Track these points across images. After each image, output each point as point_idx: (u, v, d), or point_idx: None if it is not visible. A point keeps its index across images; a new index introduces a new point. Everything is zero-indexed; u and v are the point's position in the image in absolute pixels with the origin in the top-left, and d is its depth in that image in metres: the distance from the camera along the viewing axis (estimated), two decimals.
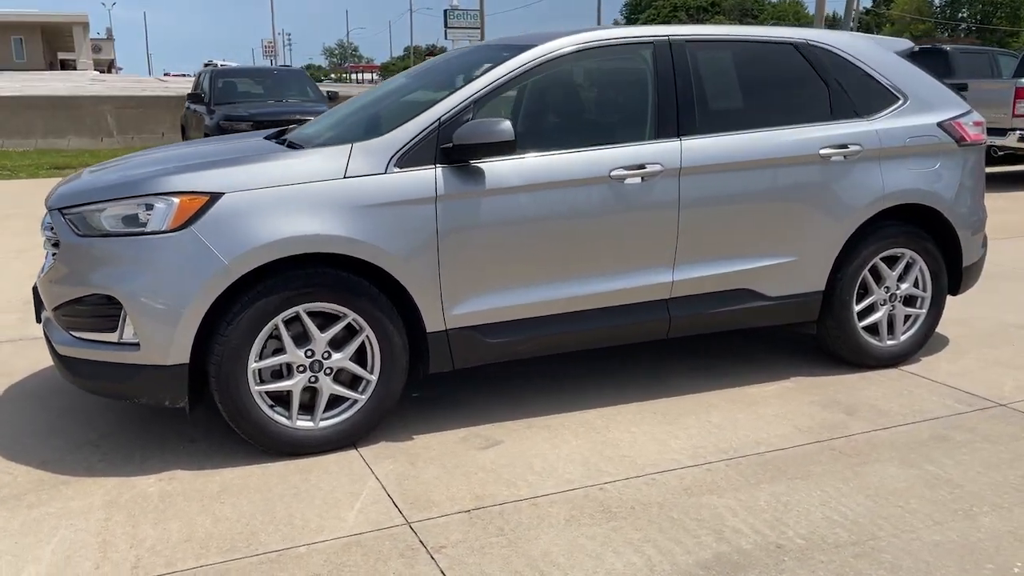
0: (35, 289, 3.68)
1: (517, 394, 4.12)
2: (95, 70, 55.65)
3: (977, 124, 4.58)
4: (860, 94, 4.31)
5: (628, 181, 3.78)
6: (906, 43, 4.72)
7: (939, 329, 4.96)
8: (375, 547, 2.80)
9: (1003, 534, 2.89)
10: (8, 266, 6.81)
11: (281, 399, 3.45)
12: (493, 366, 4.12)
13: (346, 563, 2.71)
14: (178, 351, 3.23)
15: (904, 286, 4.44)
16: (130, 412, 3.88)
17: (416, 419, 3.83)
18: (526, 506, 3.07)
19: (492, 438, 3.65)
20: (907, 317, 4.50)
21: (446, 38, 43.55)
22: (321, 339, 3.40)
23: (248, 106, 12.07)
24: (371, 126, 4.06)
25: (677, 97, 3.95)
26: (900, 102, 4.39)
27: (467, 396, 4.09)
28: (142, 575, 2.66)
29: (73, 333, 3.39)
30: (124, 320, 3.24)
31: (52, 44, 61.27)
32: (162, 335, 3.21)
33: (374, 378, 3.52)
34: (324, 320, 3.42)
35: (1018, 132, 11.53)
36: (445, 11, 43.88)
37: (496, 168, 3.58)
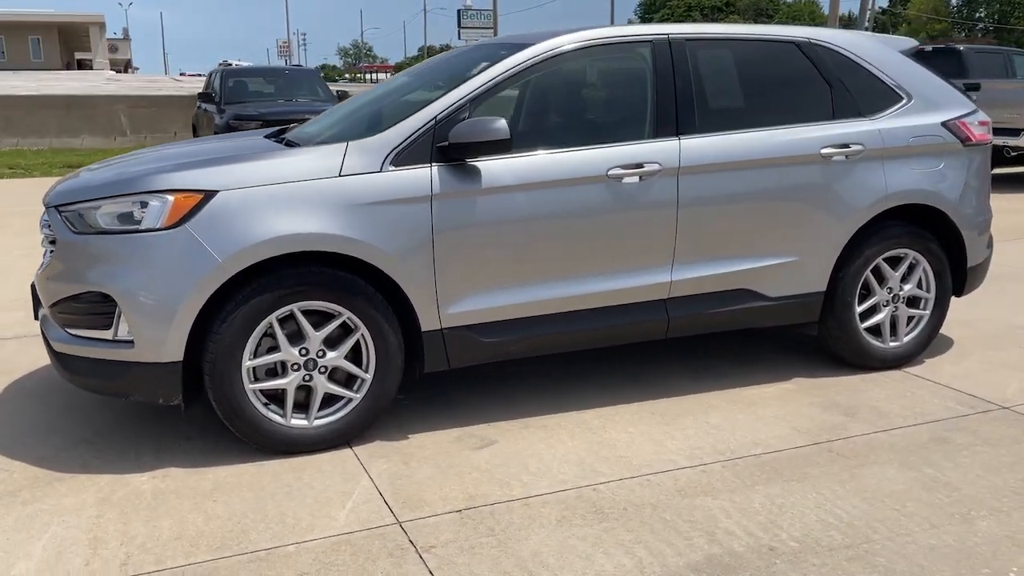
0: (33, 286, 3.69)
1: (514, 394, 4.11)
2: (111, 70, 56.03)
3: (983, 124, 4.52)
4: (863, 93, 4.27)
5: (626, 180, 3.76)
6: (910, 42, 4.67)
7: (944, 331, 4.92)
8: (364, 546, 2.79)
9: (1000, 538, 2.85)
10: (16, 264, 6.85)
11: (276, 397, 3.44)
12: (491, 366, 4.10)
13: (334, 562, 2.70)
14: (172, 349, 3.23)
15: (907, 287, 4.40)
16: (127, 410, 3.89)
17: (412, 418, 3.82)
18: (518, 506, 3.06)
19: (487, 438, 3.63)
20: (910, 318, 4.46)
21: (460, 38, 43.58)
22: (315, 337, 3.40)
23: (258, 105, 12.10)
24: (369, 125, 4.04)
25: (676, 96, 3.92)
26: (904, 101, 4.34)
27: (464, 396, 4.08)
28: (131, 572, 2.66)
29: (69, 330, 3.40)
30: (119, 317, 3.25)
31: (69, 44, 61.72)
32: (156, 332, 3.22)
33: (369, 377, 3.51)
34: (319, 318, 3.42)
35: None
36: (459, 11, 43.93)
37: (492, 167, 3.57)
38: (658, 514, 3.00)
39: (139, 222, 3.25)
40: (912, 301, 4.45)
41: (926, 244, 4.36)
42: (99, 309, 3.29)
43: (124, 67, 71.43)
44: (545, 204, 3.65)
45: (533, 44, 3.80)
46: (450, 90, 3.63)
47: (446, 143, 3.49)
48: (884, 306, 4.38)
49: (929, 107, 4.39)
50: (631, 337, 3.99)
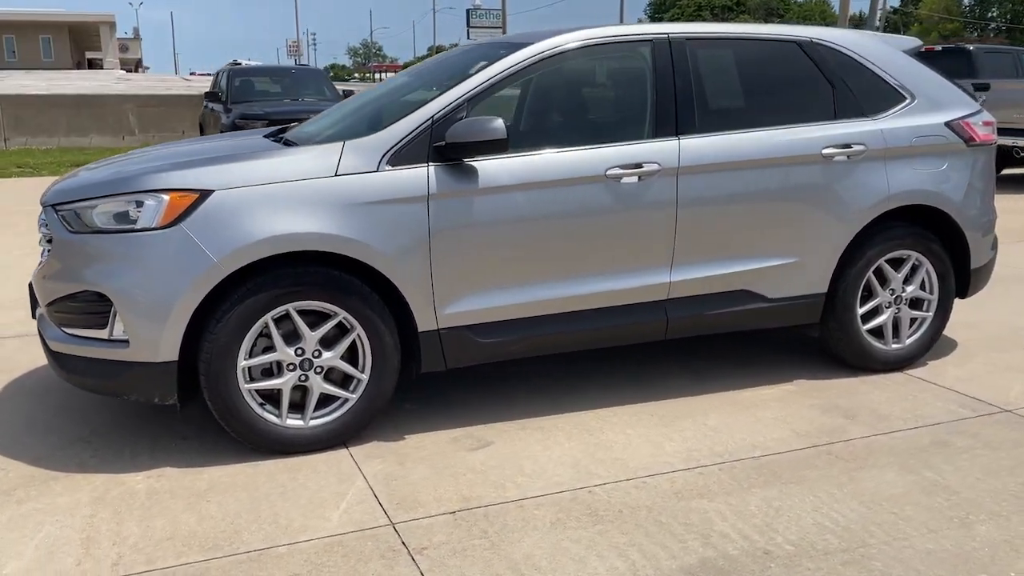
0: (31, 286, 3.69)
1: (512, 395, 4.09)
2: (121, 69, 56.23)
3: (987, 124, 4.48)
4: (865, 93, 4.24)
5: (625, 180, 3.73)
6: (914, 41, 4.63)
7: (948, 332, 4.88)
8: (356, 548, 2.78)
9: (999, 543, 2.82)
10: (19, 262, 6.86)
11: (271, 397, 3.44)
12: (490, 366, 4.09)
13: (326, 563, 2.69)
14: (167, 348, 3.23)
15: (910, 288, 4.36)
16: (125, 409, 3.89)
17: (408, 419, 3.81)
18: (512, 508, 3.04)
19: (484, 439, 3.62)
20: (913, 320, 4.42)
21: (469, 37, 43.59)
22: (311, 337, 3.39)
23: (264, 104, 12.12)
24: (369, 124, 4.02)
25: (676, 96, 3.90)
26: (907, 101, 4.31)
27: (461, 396, 4.07)
28: (122, 572, 2.65)
29: (65, 329, 3.40)
30: (114, 317, 3.25)
31: (79, 43, 62.00)
32: (151, 332, 3.21)
33: (365, 377, 3.50)
34: (315, 318, 3.41)
35: None
36: (468, 10, 43.99)
37: (489, 167, 3.55)
38: (653, 517, 2.98)
39: (134, 221, 3.25)
40: (915, 303, 4.42)
41: (929, 245, 4.33)
42: (95, 308, 3.28)
43: (135, 67, 71.69)
44: (543, 204, 3.63)
45: (532, 43, 3.79)
46: (447, 90, 3.62)
47: (443, 143, 3.48)
48: (886, 308, 4.34)
49: (932, 107, 4.35)
50: (630, 338, 3.97)
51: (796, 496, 3.12)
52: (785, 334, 4.96)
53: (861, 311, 4.28)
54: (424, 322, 3.53)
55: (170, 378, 3.27)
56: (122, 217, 3.27)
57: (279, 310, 3.33)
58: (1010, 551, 2.77)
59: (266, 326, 3.33)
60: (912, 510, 3.03)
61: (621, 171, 3.72)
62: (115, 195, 3.30)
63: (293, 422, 3.44)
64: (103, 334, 3.28)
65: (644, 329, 3.92)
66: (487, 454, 3.48)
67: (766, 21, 63.72)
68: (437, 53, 6.00)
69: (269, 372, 3.42)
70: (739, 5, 72.13)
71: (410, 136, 3.50)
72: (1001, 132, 11.45)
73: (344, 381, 3.52)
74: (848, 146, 4.09)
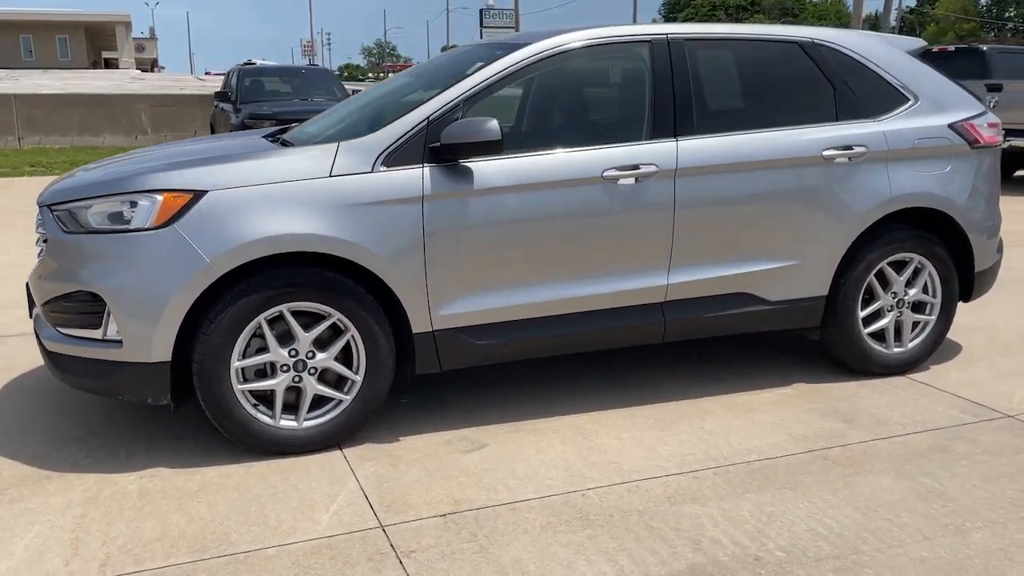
0: (28, 285, 3.71)
1: (507, 397, 4.07)
2: (137, 69, 56.55)
3: (992, 126, 4.43)
4: (867, 94, 4.20)
5: (622, 182, 3.71)
6: (918, 42, 4.59)
7: (953, 336, 4.84)
8: (344, 550, 2.77)
9: (994, 551, 2.78)
10: (24, 261, 6.87)
11: (265, 398, 3.43)
12: (487, 368, 4.08)
13: (313, 566, 2.68)
14: (160, 348, 3.23)
15: (912, 292, 4.32)
16: (121, 409, 3.90)
17: (403, 420, 3.80)
18: (503, 511, 3.02)
19: (478, 441, 3.60)
20: (915, 324, 4.38)
21: (482, 37, 43.63)
22: (305, 339, 3.38)
23: (273, 104, 12.15)
24: (369, 125, 4.01)
25: (674, 97, 3.87)
26: (910, 102, 4.26)
27: (456, 398, 4.05)
28: (109, 573, 2.65)
29: (60, 329, 3.41)
30: (108, 317, 3.25)
31: (96, 43, 62.40)
32: (144, 332, 3.21)
33: (359, 379, 3.49)
34: (309, 319, 3.40)
35: None
36: (481, 10, 43.99)
37: (485, 168, 3.54)
38: (644, 521, 2.96)
39: (128, 221, 3.25)
40: (917, 306, 4.37)
41: (932, 248, 4.28)
42: (89, 308, 3.29)
43: (150, 66, 72.09)
44: (539, 205, 3.61)
45: (529, 44, 3.77)
46: (443, 90, 3.61)
47: (438, 144, 3.47)
48: (888, 311, 4.30)
49: (936, 108, 4.31)
50: (627, 341, 3.94)
51: (790, 501, 3.09)
52: (786, 337, 4.92)
53: (862, 314, 4.24)
54: (419, 324, 3.52)
55: (163, 378, 3.27)
56: (116, 217, 3.27)
57: (273, 311, 3.32)
58: (1004, 559, 2.73)
59: (260, 327, 3.33)
60: (907, 516, 2.99)
61: (618, 172, 3.69)
62: (109, 195, 3.31)
63: (287, 423, 3.43)
64: (97, 334, 3.29)
65: (641, 332, 3.90)
66: (480, 456, 3.46)
67: (780, 21, 63.43)
68: None
69: (263, 373, 3.42)
70: (753, 5, 71.85)
71: (405, 137, 3.49)
72: (1013, 133, 11.37)
73: (338, 382, 3.51)
74: (849, 148, 4.05)
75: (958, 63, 12.96)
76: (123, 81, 32.83)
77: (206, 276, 3.21)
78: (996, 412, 3.90)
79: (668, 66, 3.89)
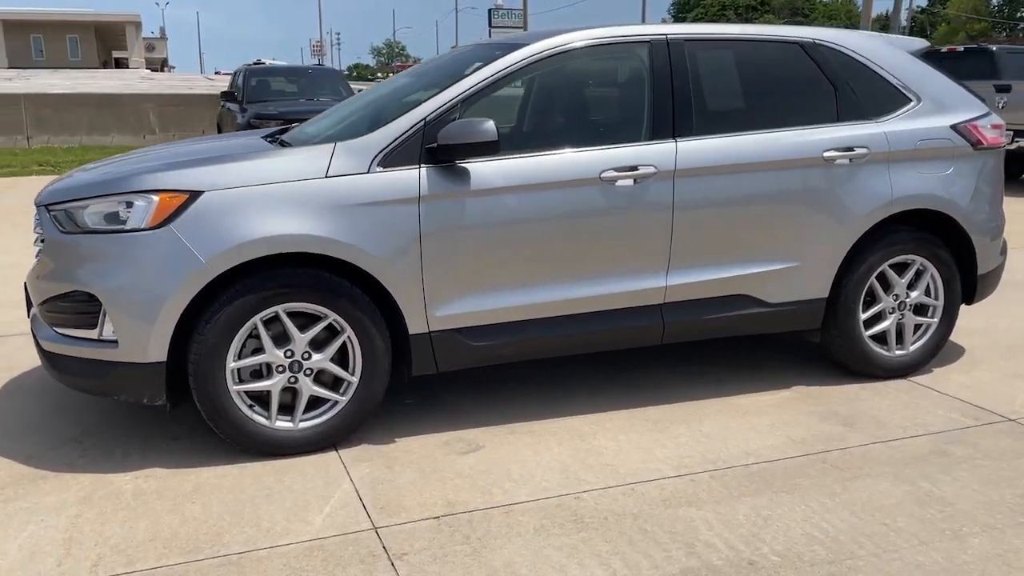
0: (26, 285, 3.71)
1: (505, 398, 4.06)
2: (147, 68, 56.75)
3: (995, 127, 4.39)
4: (869, 95, 4.17)
5: (620, 183, 3.69)
6: (920, 42, 4.55)
7: (957, 339, 4.80)
8: (336, 552, 2.77)
9: (991, 557, 2.75)
10: (28, 261, 6.91)
11: (261, 399, 3.43)
12: (484, 369, 4.08)
13: (304, 568, 2.68)
14: (156, 349, 3.23)
15: (914, 294, 4.29)
16: (119, 409, 3.90)
17: (400, 422, 3.79)
18: (497, 514, 3.01)
19: (474, 443, 3.59)
20: (917, 326, 4.35)
21: (491, 37, 43.55)
22: (301, 339, 3.38)
23: (279, 104, 12.16)
24: (368, 125, 4.01)
25: (674, 97, 3.85)
26: (912, 103, 4.23)
27: (454, 399, 4.04)
28: (101, 574, 2.65)
29: (57, 329, 3.41)
30: (104, 317, 3.25)
31: (106, 43, 62.66)
32: (140, 332, 3.21)
33: (355, 380, 3.48)
34: (306, 320, 3.40)
35: None
36: (489, 10, 43.96)
37: (482, 169, 3.52)
38: (639, 524, 2.94)
39: (124, 222, 3.25)
40: (919, 309, 4.34)
41: (934, 250, 4.25)
42: (85, 308, 3.29)
43: (161, 66, 72.30)
44: (536, 206, 3.60)
45: (527, 44, 3.75)
46: (440, 91, 3.60)
47: (435, 144, 3.46)
48: (890, 313, 4.27)
49: (938, 109, 4.27)
50: (625, 342, 3.93)
51: (786, 505, 3.07)
52: (788, 339, 4.89)
53: (864, 317, 4.21)
54: (415, 325, 3.51)
55: (158, 379, 3.27)
56: (112, 218, 3.28)
57: (268, 312, 3.32)
58: (1002, 565, 2.71)
59: (255, 328, 3.33)
60: (904, 521, 2.97)
61: (616, 174, 3.68)
62: (106, 196, 3.31)
63: (282, 424, 3.43)
64: (93, 334, 3.29)
65: (639, 333, 3.88)
66: (476, 458, 3.45)
67: (791, 21, 63.21)
68: None
69: (258, 374, 3.41)
70: (763, 5, 71.61)
71: (402, 138, 3.48)
72: (1022, 134, 11.29)
73: (334, 383, 3.50)
74: (850, 149, 4.03)
75: (967, 63, 12.88)
76: (132, 81, 32.96)
77: (202, 277, 3.20)
78: (998, 416, 3.87)
79: (667, 67, 3.87)
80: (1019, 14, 66.70)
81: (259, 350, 3.37)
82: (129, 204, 3.25)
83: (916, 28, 64.45)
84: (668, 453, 3.50)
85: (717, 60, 4.09)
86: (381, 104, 4.19)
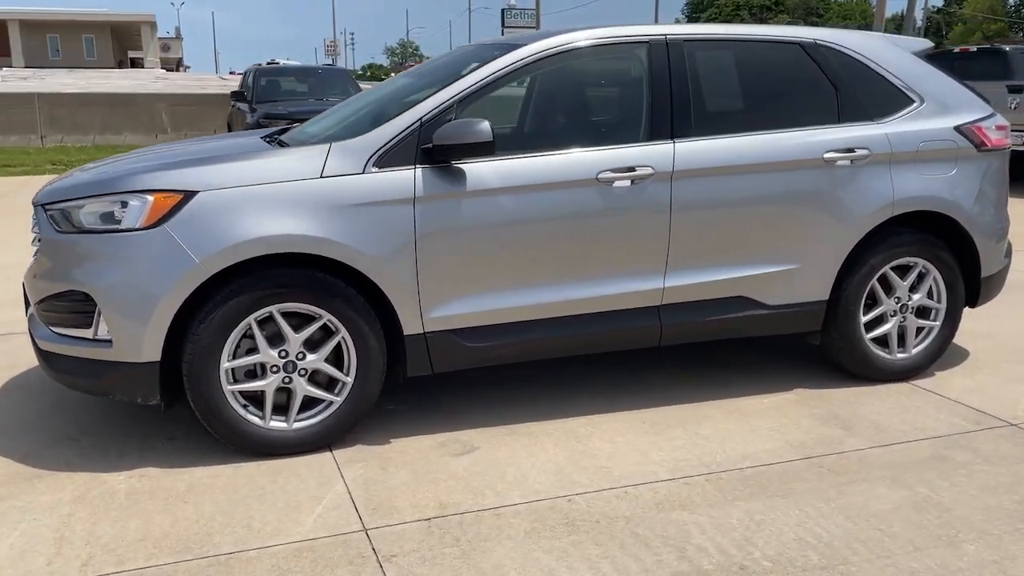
0: (24, 285, 3.72)
1: (503, 399, 4.04)
2: (162, 68, 57.06)
3: (1000, 128, 4.35)
4: (871, 96, 4.13)
5: (617, 184, 3.67)
6: (924, 43, 4.51)
7: (962, 342, 4.76)
8: (325, 553, 2.76)
9: (987, 563, 2.72)
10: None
11: (256, 399, 3.43)
12: (482, 370, 4.06)
13: (292, 569, 2.67)
14: (150, 348, 3.23)
15: (916, 297, 4.25)
16: (117, 408, 3.91)
17: (396, 423, 3.78)
18: (488, 516, 3.00)
19: (470, 444, 3.58)
20: (920, 329, 4.30)
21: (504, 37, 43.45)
22: (295, 340, 3.37)
23: (289, 104, 12.20)
24: (369, 125, 4.00)
25: (672, 98, 3.82)
26: (914, 104, 4.19)
27: (452, 400, 4.03)
28: (90, 573, 2.66)
29: (53, 328, 3.42)
30: (98, 316, 3.26)
31: (122, 43, 63.05)
32: (133, 332, 3.22)
33: (350, 380, 3.48)
34: (300, 320, 3.39)
35: None
36: (503, 10, 43.97)
37: (478, 169, 3.51)
38: (631, 528, 2.92)
39: (119, 222, 3.26)
40: (922, 311, 4.30)
41: (936, 253, 4.21)
42: (80, 308, 3.30)
43: (176, 65, 72.68)
44: (532, 208, 3.58)
45: (525, 45, 3.74)
46: (437, 91, 3.59)
47: (430, 145, 3.45)
48: (891, 316, 4.23)
49: (942, 111, 4.23)
50: (622, 344, 3.91)
51: (781, 510, 3.04)
52: (790, 341, 4.85)
53: (865, 319, 4.18)
54: (410, 325, 3.50)
55: (152, 378, 3.27)
56: (108, 217, 3.28)
57: (263, 312, 3.32)
58: (997, 572, 2.67)
59: (249, 328, 3.32)
60: (900, 527, 2.94)
61: (613, 175, 3.66)
62: (101, 195, 3.31)
63: (276, 424, 3.43)
64: (88, 333, 3.29)
65: (637, 335, 3.86)
66: (471, 460, 3.44)
67: (805, 21, 62.91)
68: None
69: (253, 374, 3.41)
70: (778, 4, 71.30)
71: (398, 138, 3.47)
72: None
73: (329, 384, 3.50)
74: (851, 150, 3.99)
75: (980, 64, 12.78)
76: (147, 80, 33.14)
77: (196, 277, 3.21)
78: (1000, 421, 3.82)
79: (666, 67, 3.84)
80: None
81: (253, 350, 3.36)
82: (124, 204, 3.26)
83: (932, 28, 64.02)
84: (664, 456, 3.48)
85: (717, 61, 4.06)
86: (381, 104, 4.18)
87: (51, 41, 56.98)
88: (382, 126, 3.51)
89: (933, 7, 65.92)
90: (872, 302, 4.21)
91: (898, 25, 46.17)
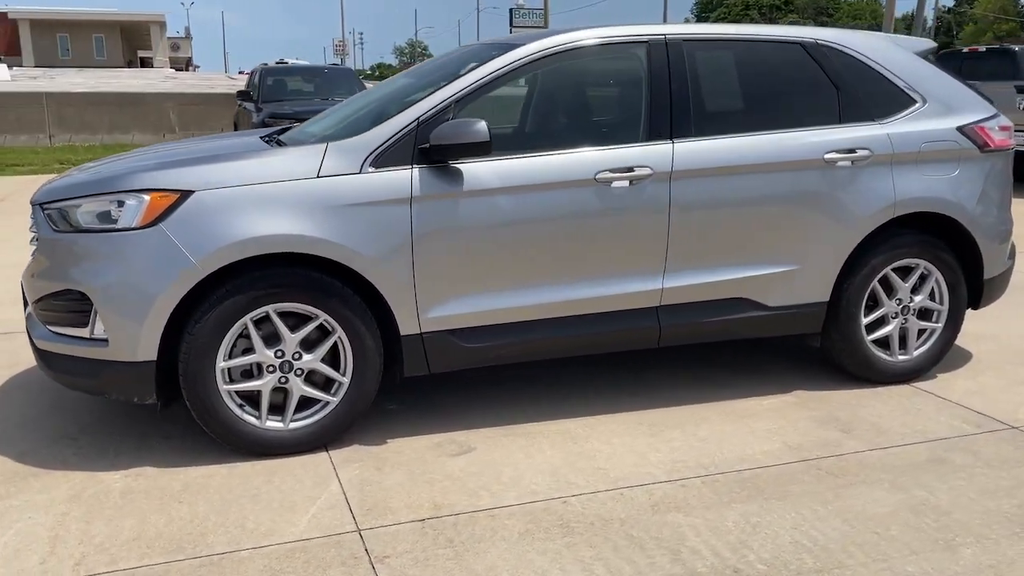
0: (22, 284, 3.73)
1: (501, 400, 4.03)
2: (172, 68, 57.24)
3: (1004, 129, 4.32)
4: (872, 96, 4.11)
5: (615, 184, 3.66)
6: (927, 43, 4.48)
7: (965, 345, 4.73)
8: (318, 554, 2.75)
9: (983, 568, 2.70)
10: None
11: (252, 399, 3.43)
12: (481, 371, 4.05)
13: (284, 569, 2.67)
14: (145, 348, 3.23)
15: (918, 298, 4.22)
16: (116, 407, 3.92)
17: (394, 423, 3.77)
18: (483, 517, 2.99)
19: (467, 444, 3.57)
20: (921, 331, 4.28)
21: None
22: (291, 339, 3.37)
23: (294, 104, 12.21)
24: (367, 124, 4.00)
25: (671, 98, 3.81)
26: (917, 105, 4.16)
27: (451, 400, 4.02)
28: (83, 572, 2.66)
29: (50, 327, 3.43)
30: (95, 316, 3.26)
31: (131, 42, 63.28)
32: (129, 331, 3.22)
33: (346, 380, 3.47)
34: (297, 320, 3.39)
35: None
36: (511, 10, 43.96)
37: (476, 169, 3.50)
38: (625, 530, 2.91)
39: (116, 221, 3.26)
40: (924, 313, 4.27)
41: (938, 254, 4.18)
42: (77, 307, 3.30)
43: (185, 65, 72.88)
44: (530, 208, 3.57)
45: (523, 45, 3.73)
46: (434, 92, 3.58)
47: (427, 145, 3.44)
48: (893, 318, 4.20)
49: (945, 111, 4.20)
50: (620, 345, 3.89)
51: (777, 512, 3.03)
52: (791, 342, 4.83)
53: (866, 321, 4.15)
54: (406, 326, 3.50)
55: (148, 378, 3.27)
56: (104, 217, 3.28)
57: (259, 311, 3.32)
58: None
59: (246, 327, 3.32)
60: (897, 530, 2.91)
61: (611, 175, 3.64)
62: (98, 195, 3.32)
63: (273, 424, 3.42)
64: (84, 333, 3.30)
65: (635, 336, 3.84)
66: (467, 460, 3.43)
67: (815, 20, 62.69)
68: None
69: (249, 373, 3.41)
70: (787, 4, 71.07)
71: (394, 138, 3.46)
72: None
73: (325, 384, 3.49)
74: (852, 151, 3.97)
75: (989, 64, 12.72)
76: (155, 80, 33.23)
77: (192, 276, 3.21)
78: (1001, 423, 3.79)
79: (665, 67, 3.83)
80: None
81: (249, 350, 3.36)
82: (120, 203, 3.26)
83: (943, 28, 63.72)
84: (661, 457, 3.46)
85: (717, 60, 4.04)
86: (379, 104, 4.17)
87: (61, 40, 57.20)
88: (379, 126, 3.51)
89: (944, 7, 65.62)
90: (873, 304, 4.18)
91: (908, 25, 45.96)
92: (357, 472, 3.32)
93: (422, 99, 3.57)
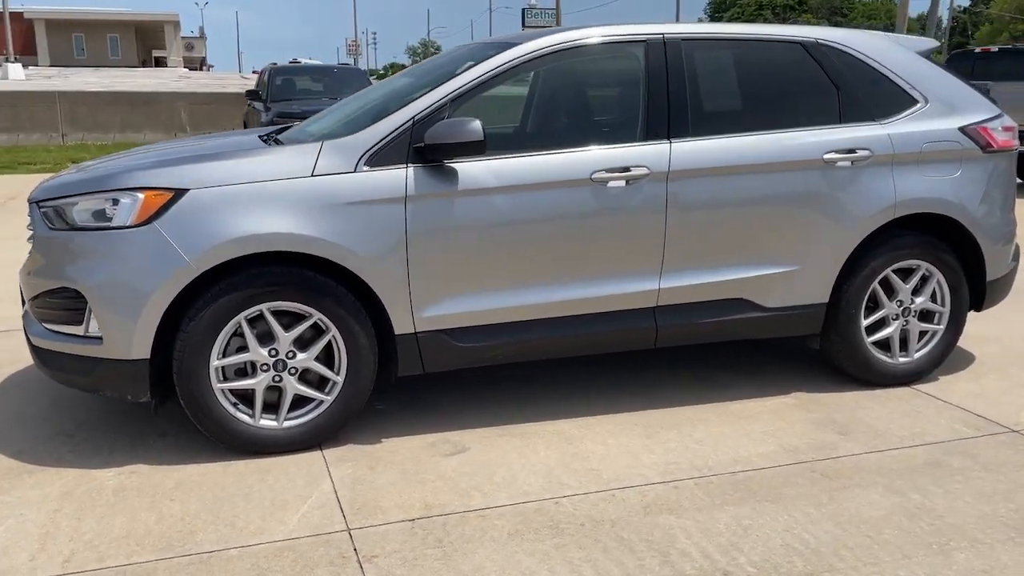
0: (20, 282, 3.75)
1: (497, 400, 4.02)
2: (186, 67, 57.54)
3: (1007, 129, 4.28)
4: (873, 96, 4.08)
5: (611, 184, 3.64)
6: (929, 42, 4.44)
7: (968, 347, 4.69)
8: (307, 553, 2.75)
9: (976, 572, 2.67)
10: None
11: (246, 397, 3.43)
12: (477, 371, 4.05)
13: (272, 568, 2.67)
14: (139, 346, 3.24)
15: (919, 300, 4.18)
16: (113, 404, 3.93)
17: (388, 422, 3.77)
18: (473, 517, 2.98)
19: (461, 444, 3.56)
20: (923, 333, 4.24)
21: None
22: (285, 338, 3.37)
23: (303, 103, 12.24)
24: (367, 123, 3.99)
25: (669, 98, 3.79)
26: (918, 105, 4.13)
27: (447, 400, 4.02)
28: (72, 569, 2.66)
29: (46, 325, 3.44)
30: (89, 313, 3.27)
31: (146, 42, 63.64)
32: (123, 330, 3.23)
33: (340, 379, 3.47)
34: (290, 319, 3.39)
35: None
36: (523, 10, 43.96)
37: (471, 168, 3.49)
38: (615, 531, 2.89)
39: (110, 219, 3.27)
40: (925, 315, 4.23)
41: (940, 255, 4.14)
42: (72, 305, 3.31)
43: (199, 65, 73.25)
44: (526, 207, 3.56)
45: (519, 44, 3.72)
46: (430, 91, 3.57)
47: (422, 144, 3.43)
48: (893, 320, 4.17)
49: (947, 111, 4.16)
50: (617, 345, 3.87)
51: (769, 515, 3.00)
52: (791, 343, 4.79)
53: (866, 323, 4.12)
54: (401, 325, 3.49)
55: (142, 376, 3.28)
56: (99, 215, 3.29)
57: (253, 310, 3.32)
58: None
59: (239, 326, 3.33)
60: (890, 534, 2.89)
61: (608, 175, 3.63)
62: (93, 193, 3.33)
63: (267, 423, 3.43)
64: (79, 330, 3.31)
65: (631, 336, 3.82)
66: (460, 460, 3.42)
67: (829, 20, 62.38)
68: None
69: (243, 372, 3.41)
70: (801, 4, 70.76)
71: (389, 137, 3.46)
72: None
73: (320, 383, 3.49)
74: (852, 151, 3.94)
75: (1002, 64, 12.61)
76: (169, 79, 33.41)
77: (185, 274, 3.21)
78: (1001, 427, 3.76)
79: (664, 66, 3.81)
80: None
81: (243, 348, 3.37)
82: (115, 201, 3.27)
83: (958, 28, 63.31)
84: (655, 459, 3.44)
85: (716, 60, 4.02)
86: (378, 103, 4.17)
87: (76, 40, 57.60)
88: (374, 125, 3.51)
89: (959, 7, 65.19)
90: (874, 305, 4.15)
91: (923, 24, 45.66)
92: (350, 471, 3.32)
93: (417, 98, 3.56)
